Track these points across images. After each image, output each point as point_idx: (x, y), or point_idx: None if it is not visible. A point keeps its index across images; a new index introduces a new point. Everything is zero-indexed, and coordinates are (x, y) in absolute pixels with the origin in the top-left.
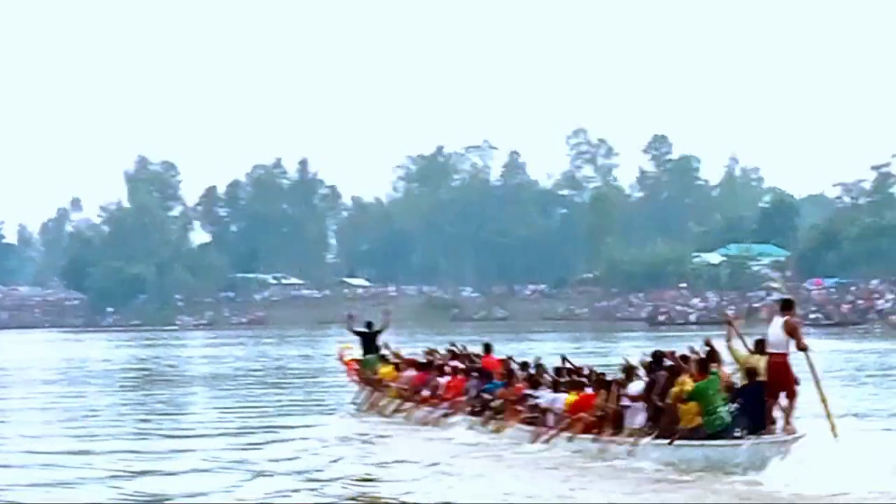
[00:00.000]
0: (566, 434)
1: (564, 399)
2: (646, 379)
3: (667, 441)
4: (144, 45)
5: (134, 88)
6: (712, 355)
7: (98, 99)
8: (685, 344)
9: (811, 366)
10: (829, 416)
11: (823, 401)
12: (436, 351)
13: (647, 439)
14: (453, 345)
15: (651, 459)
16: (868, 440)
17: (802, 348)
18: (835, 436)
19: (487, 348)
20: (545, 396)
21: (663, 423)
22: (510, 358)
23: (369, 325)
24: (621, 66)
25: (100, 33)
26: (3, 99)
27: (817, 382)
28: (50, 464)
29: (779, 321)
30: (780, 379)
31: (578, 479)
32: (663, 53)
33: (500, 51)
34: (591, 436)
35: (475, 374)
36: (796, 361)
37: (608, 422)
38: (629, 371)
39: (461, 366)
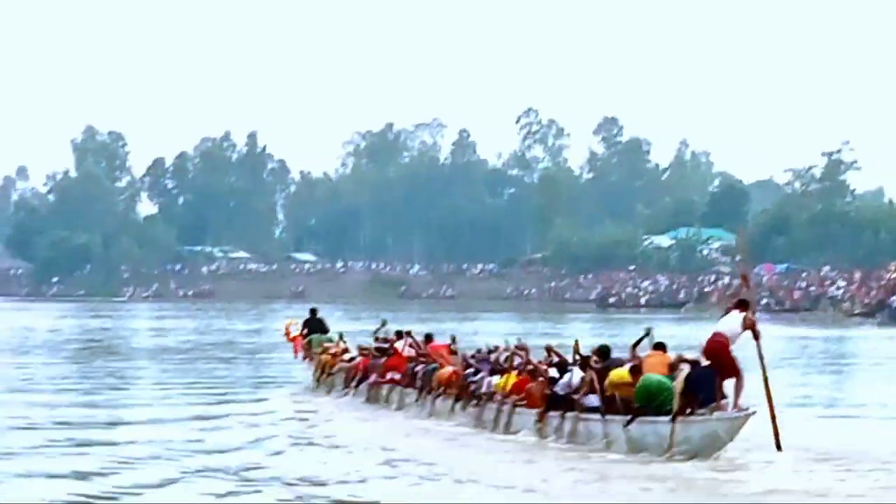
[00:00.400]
0: (511, 411)
1: (501, 380)
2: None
3: (625, 420)
4: (95, 14)
5: (83, 58)
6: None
7: (47, 68)
8: (637, 326)
9: (763, 368)
10: (774, 424)
11: (772, 410)
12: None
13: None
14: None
15: (603, 438)
16: (816, 428)
17: (756, 336)
18: (778, 448)
19: (429, 337)
20: (484, 379)
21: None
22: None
23: (314, 311)
24: (573, 48)
25: (49, 2)
26: None
27: (767, 388)
28: None
29: (738, 315)
30: (720, 358)
31: (528, 457)
32: (615, 35)
33: (452, 29)
34: (538, 412)
35: (421, 355)
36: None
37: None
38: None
39: (408, 347)
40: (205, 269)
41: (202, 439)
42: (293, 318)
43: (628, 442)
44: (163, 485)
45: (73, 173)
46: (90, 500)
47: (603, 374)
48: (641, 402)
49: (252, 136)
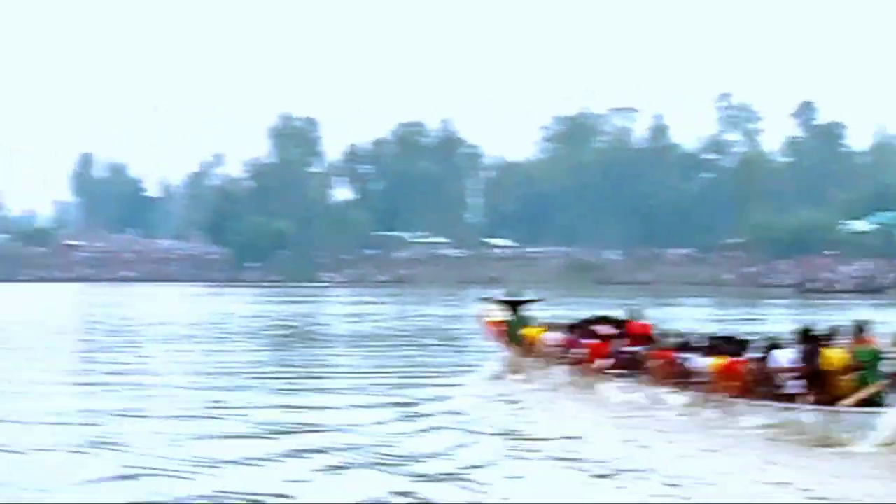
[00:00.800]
0: (719, 396)
1: (711, 362)
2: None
3: (826, 406)
4: (290, 1)
5: (279, 45)
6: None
7: (243, 55)
8: (839, 312)
9: None
10: None
11: None
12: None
13: (801, 405)
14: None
15: (805, 423)
16: None
17: None
18: None
19: (632, 316)
20: (694, 360)
21: (820, 391)
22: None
23: (514, 293)
24: (768, 31)
25: None
26: (150, 55)
27: None
28: (193, 415)
29: None
30: None
31: (738, 451)
32: (811, 18)
33: (648, 14)
34: (747, 400)
35: (622, 337)
36: None
37: (759, 386)
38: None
39: (609, 329)
40: (400, 255)
41: (393, 429)
42: (489, 303)
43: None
44: (344, 472)
45: (268, 159)
46: (275, 490)
47: (811, 356)
48: (864, 360)
49: (446, 122)
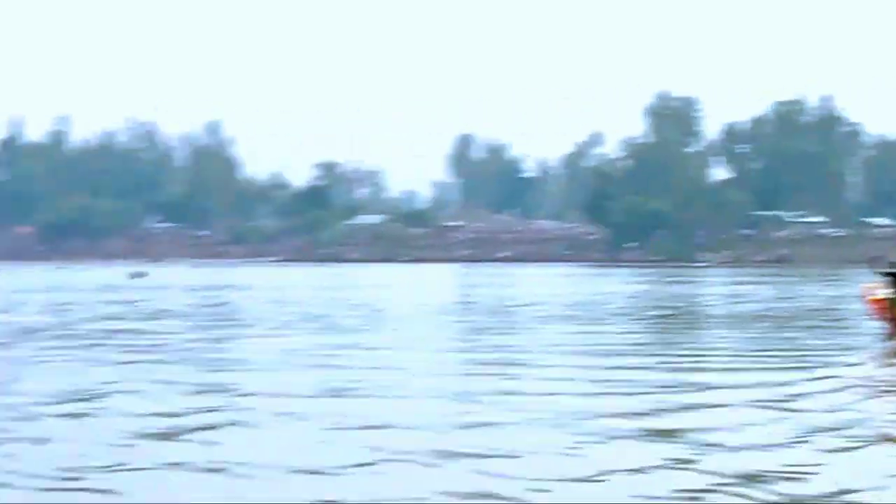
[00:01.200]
0: None
1: None
2: None
3: None
4: None
5: (653, 22)
6: None
7: (621, 34)
8: None
9: None
10: None
11: None
12: None
13: None
14: None
15: None
16: None
17: None
18: None
19: None
20: None
21: None
22: None
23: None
24: None
25: None
26: (511, 37)
27: None
28: (568, 396)
29: None
30: None
31: None
32: None
33: None
34: None
35: None
36: None
37: None
38: None
39: None
40: (778, 235)
41: (756, 415)
42: (871, 282)
43: None
44: (697, 455)
45: (646, 139)
46: (615, 474)
47: None
48: None
49: (826, 100)
